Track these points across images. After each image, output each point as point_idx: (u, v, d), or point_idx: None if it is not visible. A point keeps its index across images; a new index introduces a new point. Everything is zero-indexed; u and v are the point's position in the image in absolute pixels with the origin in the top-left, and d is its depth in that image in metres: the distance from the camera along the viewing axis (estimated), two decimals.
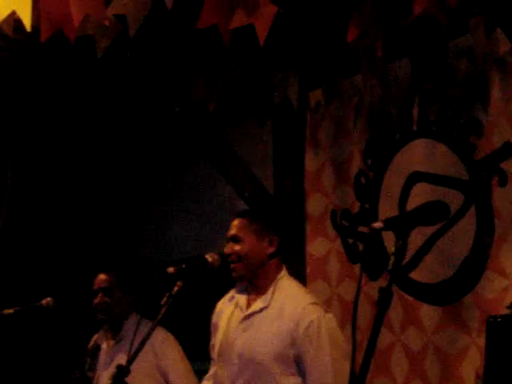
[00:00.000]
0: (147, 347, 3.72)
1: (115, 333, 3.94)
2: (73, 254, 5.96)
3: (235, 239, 2.95)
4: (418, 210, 1.97)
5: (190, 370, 3.90)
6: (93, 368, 3.86)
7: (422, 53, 3.54)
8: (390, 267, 1.88)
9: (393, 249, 1.90)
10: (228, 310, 3.06)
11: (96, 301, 3.91)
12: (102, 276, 3.97)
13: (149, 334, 2.63)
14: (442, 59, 3.46)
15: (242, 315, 2.97)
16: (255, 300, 2.97)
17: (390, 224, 1.90)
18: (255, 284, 2.98)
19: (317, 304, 2.95)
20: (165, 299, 2.67)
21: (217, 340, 3.04)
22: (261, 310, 2.94)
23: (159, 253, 5.96)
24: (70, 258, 5.96)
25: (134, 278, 4.46)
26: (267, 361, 2.84)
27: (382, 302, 1.83)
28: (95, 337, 4.07)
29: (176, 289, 2.69)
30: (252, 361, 2.87)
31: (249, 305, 2.98)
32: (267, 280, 2.96)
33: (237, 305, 3.03)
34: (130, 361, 2.52)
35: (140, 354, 3.70)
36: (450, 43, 3.44)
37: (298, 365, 2.85)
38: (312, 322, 2.85)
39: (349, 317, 3.81)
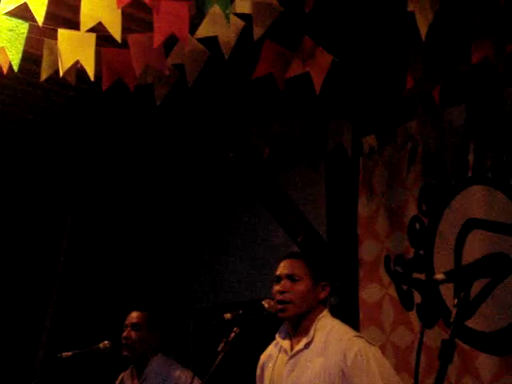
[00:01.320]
0: None
1: (139, 372, 3.95)
2: (128, 299, 6.02)
3: (293, 278, 2.95)
4: (480, 261, 1.95)
5: None
6: None
7: (478, 99, 3.53)
8: (452, 319, 1.87)
9: (454, 301, 1.89)
10: (272, 358, 3.05)
11: (123, 335, 3.93)
12: (134, 313, 4.00)
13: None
14: (498, 106, 3.45)
15: (286, 357, 2.96)
16: (299, 341, 2.96)
17: (452, 276, 1.90)
18: (300, 325, 2.97)
19: (361, 336, 2.95)
20: (221, 345, 2.67)
21: None
22: (305, 347, 2.92)
23: (212, 297, 5.97)
24: (126, 303, 6.02)
25: (170, 320, 4.49)
26: None
27: (445, 355, 1.81)
28: (122, 375, 4.09)
29: (233, 335, 2.70)
30: None
31: (293, 347, 2.97)
32: (311, 321, 2.96)
33: (281, 350, 3.02)
34: None
35: None
36: (506, 90, 3.43)
37: None
38: (359, 351, 2.83)
39: (402, 364, 3.77)
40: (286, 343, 3.00)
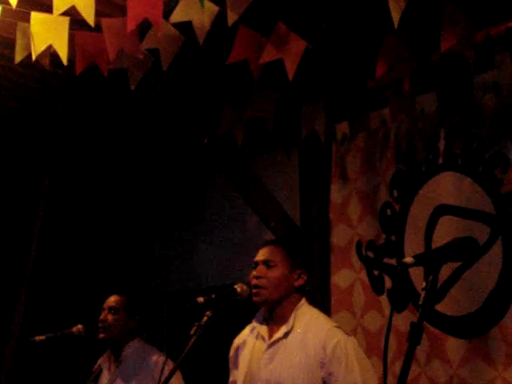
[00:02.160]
0: (149, 372, 3.78)
1: (116, 357, 3.97)
2: (103, 283, 6.02)
3: (268, 264, 2.97)
4: (449, 245, 1.99)
5: None
6: None
7: (449, 87, 3.58)
8: (420, 302, 1.91)
9: (423, 284, 1.93)
10: (249, 343, 3.06)
11: (100, 318, 3.94)
12: (112, 297, 4.01)
13: (173, 372, 2.65)
14: (467, 94, 3.50)
15: (265, 345, 2.98)
16: (277, 329, 2.98)
17: (421, 259, 1.93)
18: (276, 312, 2.99)
19: (339, 327, 2.98)
20: (194, 329, 2.70)
21: (239, 375, 3.03)
22: (285, 336, 2.94)
23: (186, 281, 6.00)
24: (99, 287, 6.02)
25: (145, 304, 4.48)
26: None
27: (413, 337, 1.85)
28: (100, 360, 4.10)
29: (205, 319, 2.72)
30: None
31: (271, 334, 2.99)
32: (288, 309, 2.98)
33: (258, 336, 3.03)
34: None
35: (142, 378, 3.78)
36: (475, 78, 3.48)
37: None
38: (338, 342, 2.86)
39: (373, 348, 3.82)
40: (263, 329, 3.02)
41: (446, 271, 3.52)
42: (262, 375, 2.93)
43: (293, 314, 2.96)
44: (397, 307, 3.73)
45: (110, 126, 4.79)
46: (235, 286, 2.89)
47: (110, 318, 3.92)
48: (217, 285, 5.36)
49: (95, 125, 4.79)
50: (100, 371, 3.98)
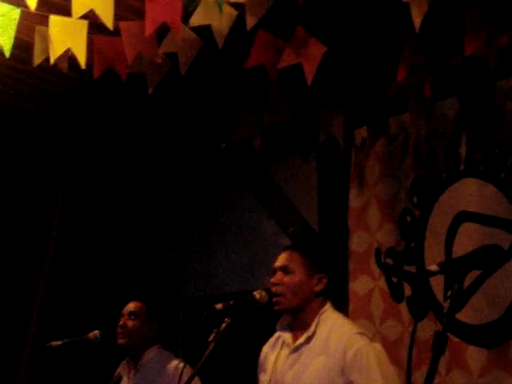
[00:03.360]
0: (168, 379, 3.76)
1: (135, 363, 3.95)
2: (119, 289, 6.02)
3: (286, 270, 2.94)
4: (474, 253, 1.95)
5: None
6: None
7: (471, 92, 3.53)
8: (445, 311, 1.87)
9: (448, 292, 1.89)
10: (275, 351, 3.04)
11: (119, 323, 3.92)
12: (132, 303, 4.00)
13: (191, 378, 2.62)
14: (490, 99, 3.46)
15: (288, 351, 2.95)
16: (301, 334, 2.94)
17: (445, 267, 1.89)
18: (299, 318, 2.95)
19: (363, 333, 2.92)
20: (213, 335, 2.67)
21: (265, 380, 3.01)
22: (307, 341, 2.90)
23: (201, 288, 5.97)
24: (116, 293, 6.02)
25: (165, 311, 4.46)
26: None
27: (438, 347, 1.81)
28: (120, 367, 4.08)
29: (224, 325, 2.69)
30: None
31: (294, 340, 2.96)
32: (311, 314, 2.94)
33: (283, 344, 3.01)
34: None
35: None
36: (498, 83, 3.43)
37: None
38: (359, 349, 2.81)
39: (392, 356, 3.74)
40: (286, 336, 2.99)
41: (466, 279, 3.46)
42: (285, 381, 2.90)
43: (316, 320, 2.92)
44: (416, 315, 3.69)
45: (127, 130, 4.78)
46: (254, 293, 2.86)
47: (129, 323, 3.91)
48: (233, 291, 5.32)
49: (112, 129, 4.78)
50: (120, 378, 3.96)
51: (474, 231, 3.51)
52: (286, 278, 2.92)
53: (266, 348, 3.13)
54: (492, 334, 3.38)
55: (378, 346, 2.92)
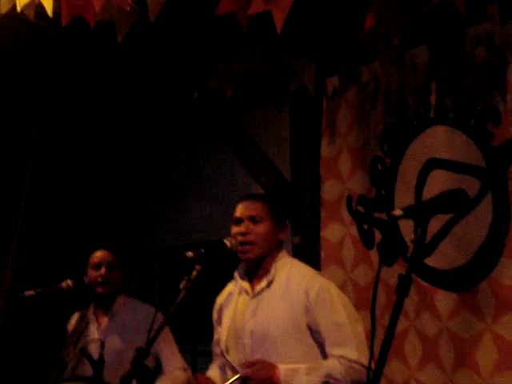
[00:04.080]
0: (139, 326, 3.82)
1: (106, 311, 4.00)
2: (94, 240, 6.02)
3: (255, 219, 2.96)
4: (438, 198, 1.98)
5: (178, 350, 4.00)
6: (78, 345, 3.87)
7: (440, 39, 3.53)
8: (409, 255, 1.90)
9: (411, 236, 1.92)
10: (232, 300, 3.08)
11: (100, 273, 3.95)
12: (106, 252, 4.03)
13: (163, 325, 2.66)
14: (459, 46, 3.46)
15: (248, 298, 2.99)
16: (259, 281, 2.99)
17: (410, 212, 1.92)
18: (259, 267, 3.00)
19: (320, 274, 3.02)
20: (184, 283, 2.70)
21: (223, 331, 3.04)
22: (267, 286, 2.95)
23: (177, 237, 6.00)
24: (87, 242, 6.02)
25: (137, 259, 4.49)
26: (281, 334, 2.86)
27: (401, 290, 1.85)
28: (76, 316, 4.11)
29: (195, 273, 2.72)
30: (266, 337, 2.88)
31: (253, 288, 3.00)
32: (270, 261, 2.99)
33: (241, 291, 3.04)
34: (150, 343, 2.54)
35: (134, 332, 3.81)
36: (467, 30, 3.43)
37: (313, 332, 2.86)
38: (321, 286, 2.89)
39: (363, 301, 3.84)
40: (245, 284, 3.03)
41: (435, 225, 3.52)
42: (247, 327, 2.94)
43: (274, 265, 2.97)
44: (386, 261, 3.74)
45: (98, 79, 4.73)
46: (225, 240, 2.89)
47: (111, 273, 3.97)
48: (208, 240, 5.36)
49: (83, 78, 4.72)
50: (87, 324, 3.99)
51: (443, 178, 3.54)
52: (255, 227, 2.94)
53: (220, 299, 3.17)
54: (460, 278, 3.44)
55: (334, 284, 3.01)
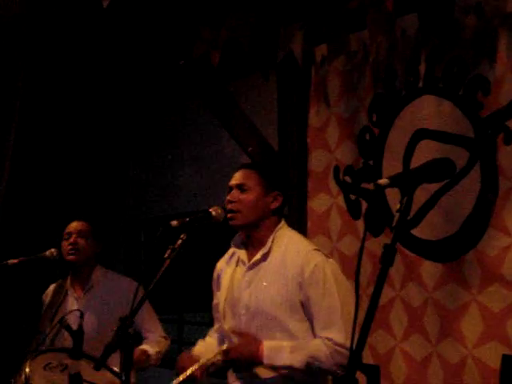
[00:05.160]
0: (120, 299, 3.81)
1: (83, 282, 3.99)
2: (74, 208, 5.99)
3: (242, 188, 2.94)
4: (424, 166, 1.96)
5: (158, 321, 4.03)
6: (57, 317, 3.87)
7: (430, 8, 3.49)
8: (394, 224, 1.88)
9: (397, 205, 1.90)
10: (230, 267, 3.06)
11: (69, 241, 3.94)
12: (78, 222, 4.03)
13: (145, 294, 2.64)
14: (449, 15, 3.42)
15: (244, 268, 2.98)
16: (256, 252, 2.96)
17: (395, 181, 1.89)
18: (254, 236, 2.97)
19: (319, 250, 2.96)
20: (168, 252, 2.67)
21: (221, 298, 3.04)
22: (263, 258, 2.93)
23: (164, 207, 5.98)
24: (71, 212, 5.99)
25: (120, 229, 4.47)
26: (274, 309, 2.85)
27: (386, 259, 1.83)
28: (52, 287, 4.09)
29: (179, 242, 2.69)
30: (259, 311, 2.87)
31: (250, 258, 2.98)
32: (267, 232, 2.96)
33: (238, 260, 3.03)
34: (134, 312, 2.52)
35: (113, 304, 3.81)
36: None
37: (305, 309, 2.85)
38: (317, 265, 2.85)
39: (349, 271, 3.81)
40: (242, 253, 3.01)
41: (423, 195, 3.51)
42: (242, 299, 2.94)
43: (271, 237, 2.95)
44: (373, 231, 3.74)
45: (84, 44, 4.66)
46: (210, 210, 2.86)
47: (80, 241, 3.94)
48: (194, 210, 5.34)
49: (68, 42, 4.65)
50: (65, 296, 3.98)
51: (431, 148, 3.52)
52: (242, 196, 2.92)
53: (220, 264, 3.16)
54: (447, 249, 3.44)
55: (333, 261, 2.97)
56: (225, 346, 2.79)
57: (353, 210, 3.92)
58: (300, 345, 2.80)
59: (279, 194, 2.98)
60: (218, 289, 3.10)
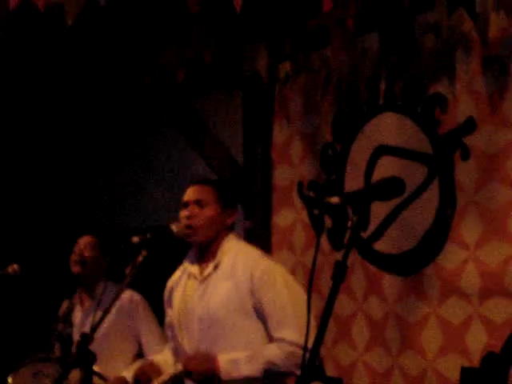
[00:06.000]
0: (119, 311, 3.84)
1: (90, 294, 4.03)
2: (48, 221, 5.99)
3: (200, 203, 2.97)
4: (375, 185, 2.01)
5: (160, 331, 4.00)
6: (66, 330, 3.90)
7: (390, 27, 3.56)
8: (346, 241, 1.93)
9: (349, 223, 1.95)
10: (181, 283, 3.09)
11: (75, 253, 4.00)
12: (87, 237, 4.10)
13: (113, 301, 2.67)
14: (409, 34, 3.50)
15: (196, 283, 3.01)
16: (207, 265, 3.01)
17: (347, 199, 1.95)
18: (207, 251, 3.01)
19: (266, 256, 3.06)
20: (129, 268, 2.70)
21: (173, 314, 3.07)
22: (214, 269, 2.97)
23: (134, 221, 5.99)
24: (44, 225, 5.99)
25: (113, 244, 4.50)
26: (228, 316, 2.89)
27: (337, 276, 1.88)
28: (66, 302, 4.13)
29: (140, 258, 2.72)
30: (213, 320, 2.90)
31: (202, 272, 3.02)
32: (217, 245, 3.01)
33: (190, 276, 3.06)
34: (94, 328, 2.55)
35: (114, 317, 3.83)
36: (417, 17, 3.47)
37: (258, 313, 2.90)
38: (266, 268, 2.93)
39: (313, 285, 3.88)
40: (194, 268, 3.04)
41: (383, 210, 3.57)
42: (195, 313, 2.96)
43: (221, 249, 3.00)
44: (335, 245, 3.80)
45: (47, 63, 4.67)
46: (171, 225, 2.90)
47: (86, 253, 4.00)
48: (164, 224, 5.36)
49: (32, 63, 4.66)
50: (72, 309, 4.01)
51: (392, 164, 3.59)
52: (201, 212, 2.96)
53: (170, 283, 3.18)
54: (407, 262, 3.50)
55: (280, 265, 3.05)
56: (178, 371, 2.79)
57: (316, 225, 3.97)
58: (255, 354, 2.84)
59: (233, 210, 3.04)
60: (170, 306, 3.12)
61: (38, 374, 3.25)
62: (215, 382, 2.77)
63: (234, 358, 2.82)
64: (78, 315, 4.02)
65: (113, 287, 3.98)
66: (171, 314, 3.10)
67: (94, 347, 3.51)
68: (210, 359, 2.80)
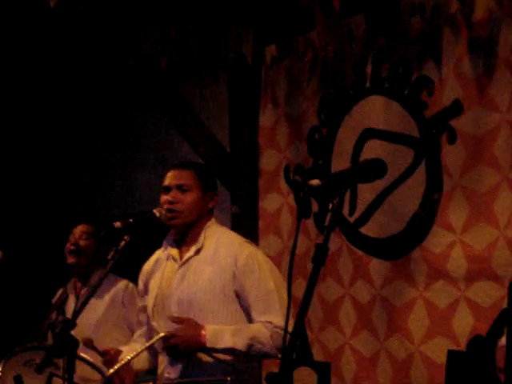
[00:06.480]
0: (114, 299, 3.82)
1: (84, 283, 4.00)
2: (40, 208, 5.97)
3: (182, 188, 2.95)
4: (356, 167, 1.99)
5: None
6: (59, 319, 3.88)
7: (376, 9, 3.53)
8: (326, 223, 1.91)
9: (329, 206, 1.93)
10: (160, 266, 3.07)
11: (71, 241, 3.98)
12: (82, 225, 4.06)
13: (95, 287, 2.65)
14: (395, 16, 3.46)
15: (176, 266, 2.98)
16: (188, 249, 2.99)
17: (328, 182, 1.92)
18: (188, 235, 2.99)
19: (249, 242, 3.05)
20: (112, 253, 2.68)
21: (150, 299, 3.04)
22: (196, 253, 2.96)
23: (122, 206, 5.96)
24: (37, 213, 5.97)
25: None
26: (208, 300, 2.88)
27: (318, 259, 1.86)
28: (60, 291, 4.11)
29: (122, 243, 2.70)
30: (192, 303, 2.89)
31: (182, 256, 3.00)
32: (200, 230, 2.99)
33: (169, 257, 3.04)
34: (76, 314, 2.53)
35: (108, 306, 3.81)
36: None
37: (240, 298, 2.89)
38: (250, 254, 2.92)
39: (299, 269, 3.82)
40: (174, 251, 3.02)
41: (370, 194, 3.56)
42: (174, 296, 2.94)
43: (203, 233, 2.98)
44: (322, 229, 3.77)
45: (32, 45, 4.61)
46: (154, 211, 2.87)
47: (81, 242, 3.97)
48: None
49: (16, 48, 4.60)
50: (66, 297, 4.00)
51: (379, 148, 3.57)
52: (183, 196, 2.94)
53: (147, 266, 3.15)
54: (394, 246, 3.49)
55: (262, 252, 3.05)
56: (164, 333, 2.78)
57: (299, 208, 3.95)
58: (241, 328, 2.85)
59: (214, 193, 3.02)
60: (146, 291, 3.10)
61: (29, 362, 3.22)
62: (199, 348, 2.76)
63: (220, 329, 2.81)
64: (71, 304, 3.99)
65: (110, 277, 3.98)
66: (147, 298, 3.07)
67: (87, 335, 3.52)
68: (197, 326, 2.79)
